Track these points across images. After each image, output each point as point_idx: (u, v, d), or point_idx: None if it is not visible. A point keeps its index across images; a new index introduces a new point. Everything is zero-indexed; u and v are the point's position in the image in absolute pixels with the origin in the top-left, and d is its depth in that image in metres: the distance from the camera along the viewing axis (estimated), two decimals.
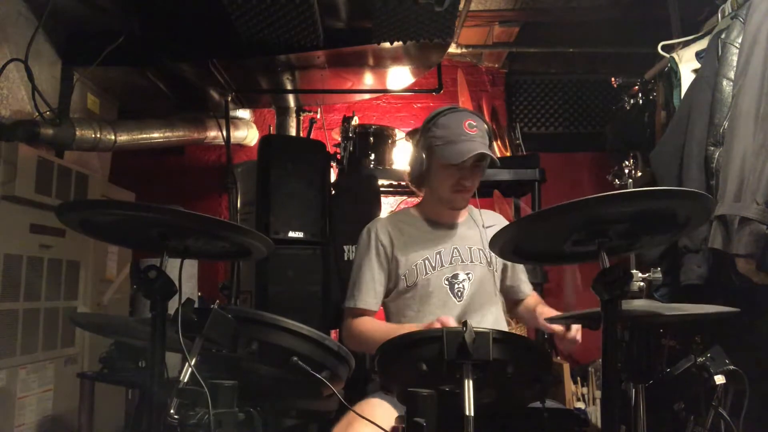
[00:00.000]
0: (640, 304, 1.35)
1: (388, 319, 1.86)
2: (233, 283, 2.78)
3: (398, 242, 1.80)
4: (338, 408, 1.53)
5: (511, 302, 1.99)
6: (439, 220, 1.86)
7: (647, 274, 1.36)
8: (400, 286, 1.78)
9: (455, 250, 1.81)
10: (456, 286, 1.76)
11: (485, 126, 1.77)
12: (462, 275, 1.78)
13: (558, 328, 1.60)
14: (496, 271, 1.85)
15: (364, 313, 1.78)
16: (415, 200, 2.03)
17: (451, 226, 1.86)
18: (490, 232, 1.87)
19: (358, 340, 1.76)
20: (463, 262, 1.79)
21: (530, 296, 1.97)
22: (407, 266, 1.77)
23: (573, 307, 1.66)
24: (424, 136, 1.78)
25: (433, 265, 1.77)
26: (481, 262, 1.81)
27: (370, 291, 1.78)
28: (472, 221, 1.89)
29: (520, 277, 1.96)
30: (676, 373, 1.37)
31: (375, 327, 1.75)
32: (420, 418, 1.04)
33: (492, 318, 1.79)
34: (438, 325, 1.41)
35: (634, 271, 1.40)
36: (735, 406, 1.44)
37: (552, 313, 1.71)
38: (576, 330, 1.58)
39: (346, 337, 1.81)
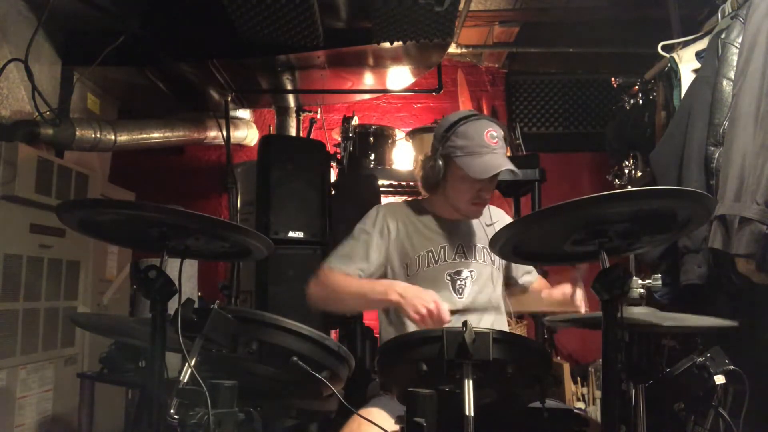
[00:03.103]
0: (640, 312, 1.35)
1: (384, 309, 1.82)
2: (233, 283, 2.78)
3: (404, 230, 1.78)
4: (338, 408, 1.53)
5: (519, 291, 1.98)
6: (447, 216, 1.84)
7: (647, 281, 1.36)
8: (401, 275, 1.76)
9: (460, 246, 1.79)
10: (458, 282, 1.75)
11: (503, 133, 1.74)
12: (465, 272, 1.77)
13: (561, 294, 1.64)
14: (499, 269, 1.84)
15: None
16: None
17: (459, 222, 1.84)
18: (495, 229, 1.87)
19: (332, 288, 1.69)
20: (467, 259, 1.78)
21: (536, 282, 1.97)
22: (410, 256, 1.76)
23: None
24: (442, 144, 1.73)
25: (437, 258, 1.76)
26: (485, 261, 1.80)
27: (359, 263, 1.73)
28: (478, 219, 1.86)
29: (525, 268, 1.96)
30: (676, 373, 1.37)
31: (347, 281, 1.69)
32: (420, 418, 1.04)
33: (491, 318, 1.78)
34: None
35: (634, 279, 1.39)
36: (735, 406, 1.44)
37: (557, 293, 1.72)
38: (579, 298, 1.61)
39: (316, 286, 1.73)
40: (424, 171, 1.80)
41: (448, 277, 1.75)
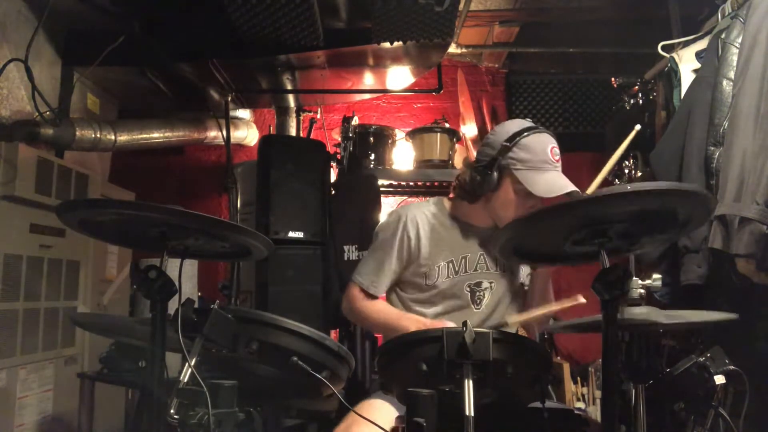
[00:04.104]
0: (640, 311, 1.35)
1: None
2: (233, 283, 2.78)
3: (425, 239, 1.73)
4: (338, 408, 1.53)
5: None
6: (471, 222, 1.78)
7: (647, 281, 1.35)
8: (420, 283, 1.74)
9: (482, 256, 1.75)
10: (477, 293, 1.74)
11: None
12: (485, 283, 1.74)
13: None
14: (521, 279, 1.80)
15: (373, 297, 1.77)
16: (414, 200, 2.01)
17: (482, 230, 1.77)
18: None
19: (364, 315, 1.75)
20: (488, 270, 1.75)
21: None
22: (430, 265, 1.72)
23: None
24: (502, 155, 1.63)
25: (457, 269, 1.73)
26: (504, 271, 1.77)
27: (385, 280, 1.75)
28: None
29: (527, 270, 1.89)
30: (676, 373, 1.37)
31: (385, 309, 1.76)
32: (420, 418, 1.04)
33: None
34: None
35: (634, 279, 1.39)
36: (735, 406, 1.44)
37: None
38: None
39: (350, 308, 1.78)
40: (471, 178, 1.68)
41: (468, 289, 1.73)
